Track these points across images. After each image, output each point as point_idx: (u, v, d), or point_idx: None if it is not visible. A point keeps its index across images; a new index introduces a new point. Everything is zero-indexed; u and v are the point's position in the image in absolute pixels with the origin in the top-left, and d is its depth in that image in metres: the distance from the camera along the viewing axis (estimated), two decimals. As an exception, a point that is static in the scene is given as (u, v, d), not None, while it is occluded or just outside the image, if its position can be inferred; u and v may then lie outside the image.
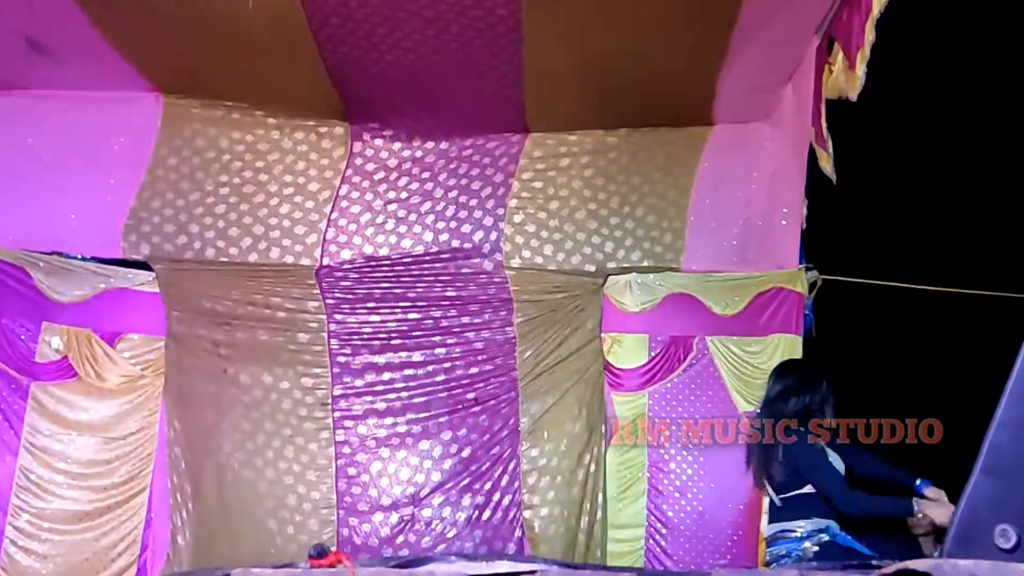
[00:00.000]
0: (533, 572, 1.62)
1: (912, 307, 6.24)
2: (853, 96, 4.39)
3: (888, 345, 7.09)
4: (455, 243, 5.50)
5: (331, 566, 1.58)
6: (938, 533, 3.50)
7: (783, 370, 4.07)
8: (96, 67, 5.10)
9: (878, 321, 6.86)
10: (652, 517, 5.33)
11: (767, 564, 3.81)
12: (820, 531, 3.63)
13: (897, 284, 5.76)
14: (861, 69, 4.27)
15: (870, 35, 4.12)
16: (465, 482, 5.34)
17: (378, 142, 5.55)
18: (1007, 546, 1.74)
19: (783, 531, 3.72)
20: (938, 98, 5.95)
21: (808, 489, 3.70)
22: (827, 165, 4.91)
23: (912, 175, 6.25)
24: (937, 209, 6.29)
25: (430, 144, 5.55)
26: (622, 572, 1.62)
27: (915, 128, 5.94)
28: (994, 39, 5.64)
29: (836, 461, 3.78)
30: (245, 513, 5.22)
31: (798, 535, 3.65)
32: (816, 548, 3.61)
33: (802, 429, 3.74)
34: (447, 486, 5.34)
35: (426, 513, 5.30)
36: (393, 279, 5.47)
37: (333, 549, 1.68)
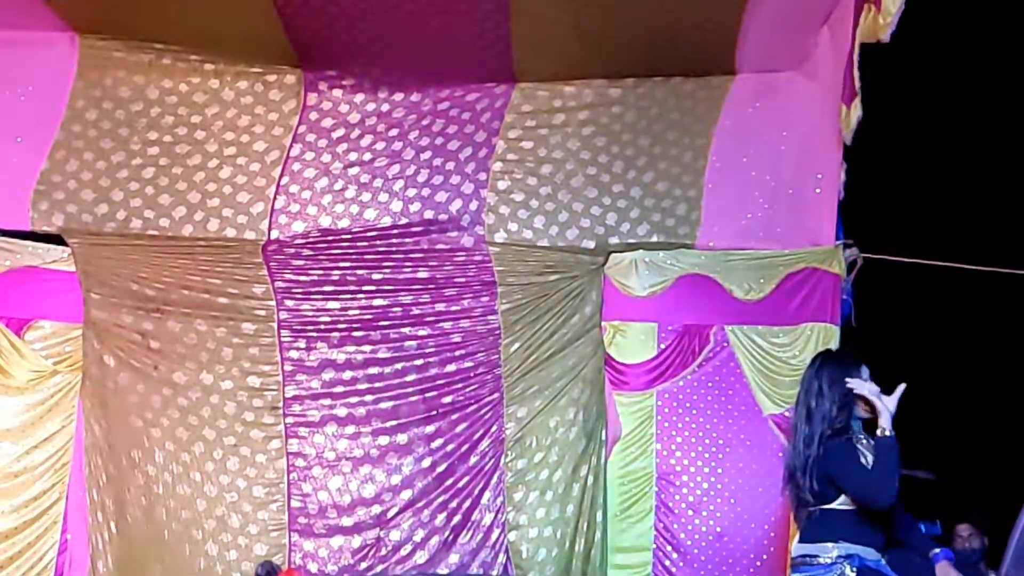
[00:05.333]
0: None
1: (970, 291, 6.19)
2: (884, 36, 4.36)
3: (941, 335, 7.00)
4: (428, 214, 5.45)
5: (282, 586, 1.41)
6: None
7: (821, 363, 3.97)
8: None
9: (930, 307, 6.76)
10: (661, 539, 5.33)
11: None
12: (848, 557, 3.59)
13: (952, 264, 5.70)
14: (895, 4, 4.24)
15: None
16: (440, 500, 5.33)
17: (337, 93, 5.54)
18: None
19: (806, 556, 3.69)
20: (1009, 53, 5.88)
21: (840, 504, 3.65)
22: (845, 124, 4.91)
23: (973, 136, 6.18)
24: (1001, 178, 6.23)
25: (399, 96, 5.54)
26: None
27: (979, 84, 5.89)
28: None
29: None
30: (180, 536, 5.21)
31: (823, 561, 3.62)
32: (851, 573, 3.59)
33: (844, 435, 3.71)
34: (419, 504, 5.32)
35: (394, 536, 5.29)
36: (354, 257, 5.42)
37: (284, 568, 1.52)
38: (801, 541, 3.76)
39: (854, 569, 3.56)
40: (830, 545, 3.61)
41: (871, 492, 3.54)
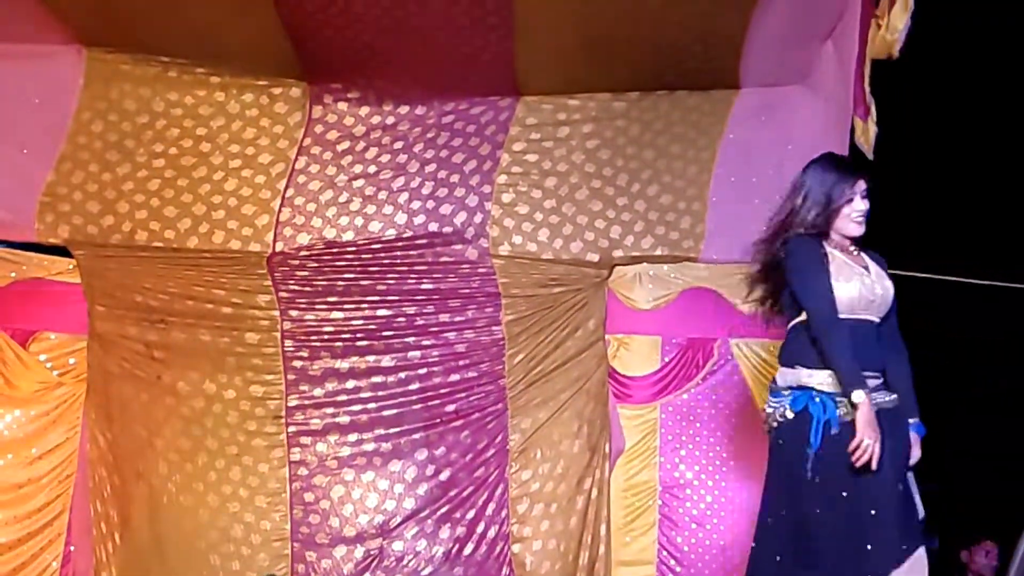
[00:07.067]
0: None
1: (985, 306, 6.17)
2: (894, 52, 4.32)
3: (955, 351, 6.99)
4: (433, 226, 5.43)
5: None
6: None
7: (815, 163, 3.83)
8: (3, 13, 5.05)
9: (942, 322, 6.75)
10: (664, 552, 5.40)
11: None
12: (797, 390, 3.45)
13: (963, 280, 5.69)
14: (902, 20, 4.21)
15: None
16: (443, 510, 5.34)
17: (342, 106, 5.50)
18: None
19: (772, 382, 3.62)
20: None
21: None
22: (864, 139, 4.80)
23: (986, 149, 6.17)
24: (1016, 192, 6.24)
25: (404, 109, 5.50)
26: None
27: (990, 102, 5.89)
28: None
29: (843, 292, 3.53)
30: (183, 546, 5.22)
31: (774, 389, 3.55)
32: (792, 413, 3.46)
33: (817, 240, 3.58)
34: (422, 515, 5.34)
35: (397, 546, 5.31)
36: (359, 269, 5.41)
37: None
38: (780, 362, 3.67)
39: (795, 412, 3.44)
40: (789, 372, 3.52)
41: (822, 324, 3.38)
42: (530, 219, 5.46)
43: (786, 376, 3.50)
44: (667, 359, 5.51)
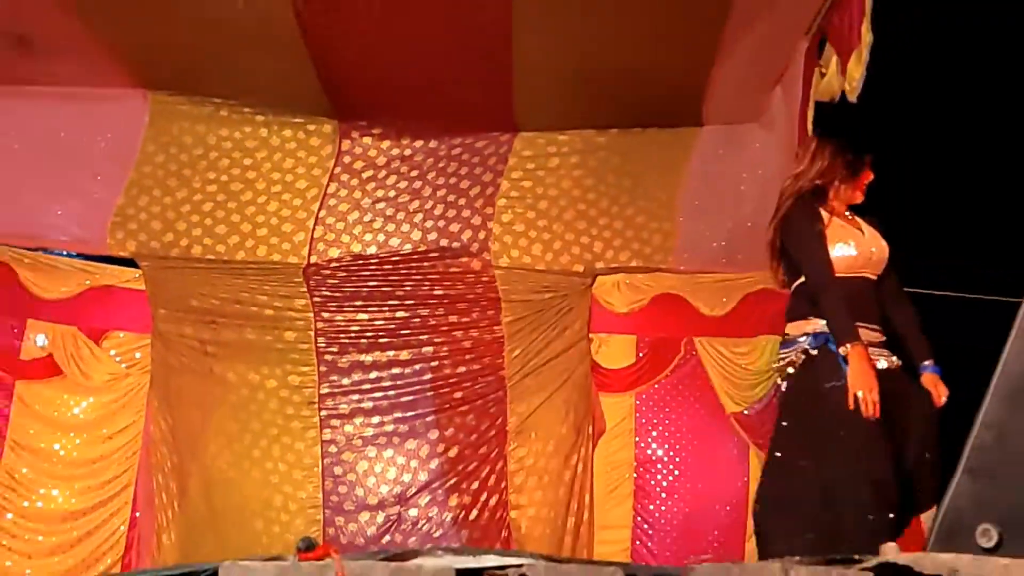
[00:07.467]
0: (520, 566, 1.64)
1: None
2: (852, 97, 4.24)
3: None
4: (443, 242, 5.50)
5: (319, 559, 1.60)
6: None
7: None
8: (83, 63, 5.08)
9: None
10: (639, 518, 5.34)
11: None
12: (815, 335, 3.10)
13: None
14: (859, 71, 4.17)
15: (867, 36, 4.03)
16: (452, 482, 5.35)
17: (367, 140, 5.54)
18: (989, 545, 1.77)
19: (785, 335, 3.27)
20: (927, 108, 5.90)
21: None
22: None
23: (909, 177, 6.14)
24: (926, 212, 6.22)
25: (419, 143, 5.54)
26: (606, 567, 1.64)
27: (904, 135, 5.88)
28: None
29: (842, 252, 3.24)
30: (231, 513, 5.22)
31: (788, 339, 3.20)
32: (814, 351, 3.09)
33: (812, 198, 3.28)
34: (434, 485, 5.34)
35: (412, 513, 5.31)
36: (381, 277, 5.47)
37: (320, 542, 1.70)
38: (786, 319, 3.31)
39: (816, 348, 3.08)
40: (801, 322, 3.16)
41: (818, 280, 3.10)
42: (526, 236, 5.52)
43: (800, 326, 3.16)
44: (641, 354, 5.46)
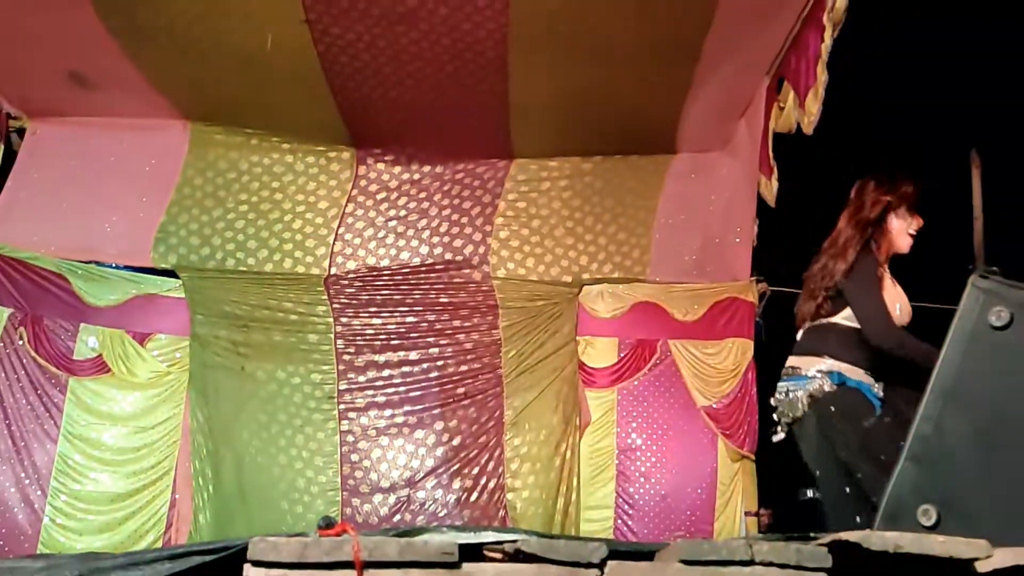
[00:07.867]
0: (515, 541, 1.65)
1: None
2: (808, 130, 4.28)
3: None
4: (448, 255, 5.51)
5: (337, 535, 1.60)
6: None
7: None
8: (131, 98, 5.12)
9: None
10: (620, 499, 5.31)
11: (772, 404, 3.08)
12: (829, 373, 2.88)
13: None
14: (815, 106, 4.19)
15: (822, 76, 4.08)
16: (455, 467, 5.34)
17: (381, 166, 5.56)
18: (929, 523, 1.78)
19: (793, 367, 3.00)
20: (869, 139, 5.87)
21: (843, 319, 2.93)
22: (767, 191, 4.90)
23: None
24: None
25: (426, 168, 5.57)
26: (591, 542, 1.64)
27: (852, 163, 5.84)
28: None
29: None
30: (260, 495, 5.22)
31: (803, 373, 2.92)
32: (829, 388, 2.87)
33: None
34: (439, 471, 5.33)
35: (420, 495, 5.30)
36: (393, 287, 5.47)
37: (339, 521, 1.71)
38: (792, 353, 3.04)
39: (834, 385, 2.86)
40: (816, 359, 2.92)
41: (879, 330, 2.80)
42: (520, 250, 5.53)
43: (812, 362, 2.93)
44: (622, 355, 5.43)
